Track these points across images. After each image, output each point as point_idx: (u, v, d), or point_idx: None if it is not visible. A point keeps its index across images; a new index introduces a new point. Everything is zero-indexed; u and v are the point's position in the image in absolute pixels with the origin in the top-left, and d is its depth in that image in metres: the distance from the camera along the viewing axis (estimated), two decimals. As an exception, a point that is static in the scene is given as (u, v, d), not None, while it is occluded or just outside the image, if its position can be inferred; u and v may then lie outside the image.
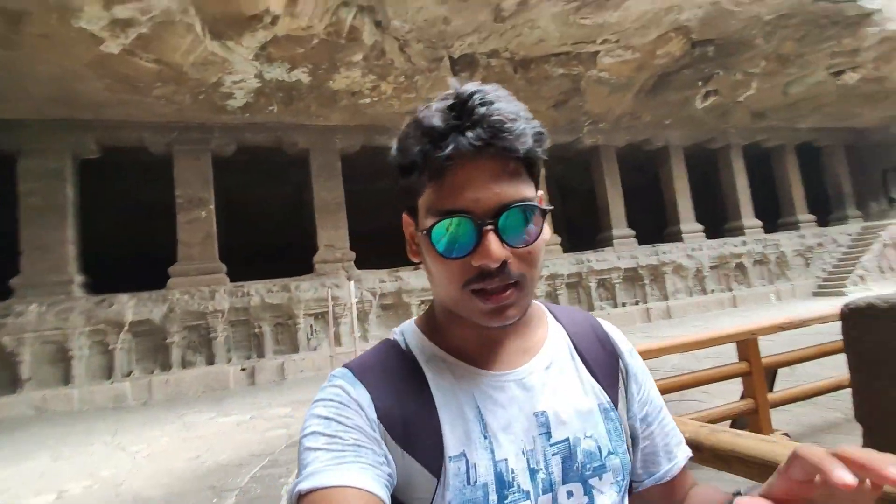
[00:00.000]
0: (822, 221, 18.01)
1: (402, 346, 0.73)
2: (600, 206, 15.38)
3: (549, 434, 0.67)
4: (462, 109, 0.59)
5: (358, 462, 0.58)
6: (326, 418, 0.62)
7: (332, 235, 12.08)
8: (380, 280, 11.85)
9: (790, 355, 4.00)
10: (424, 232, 0.62)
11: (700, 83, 12.75)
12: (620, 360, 0.77)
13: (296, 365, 10.61)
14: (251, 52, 8.84)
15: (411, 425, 0.64)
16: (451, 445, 0.64)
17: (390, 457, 0.62)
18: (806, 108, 15.11)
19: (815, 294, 15.42)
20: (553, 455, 0.66)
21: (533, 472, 0.64)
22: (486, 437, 0.64)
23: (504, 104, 0.59)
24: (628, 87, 12.34)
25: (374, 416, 0.63)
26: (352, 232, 12.30)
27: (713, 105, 13.83)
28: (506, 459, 0.64)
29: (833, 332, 2.76)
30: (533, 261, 0.63)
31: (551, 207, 0.67)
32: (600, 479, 0.67)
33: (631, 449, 0.74)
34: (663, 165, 16.17)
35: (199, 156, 11.32)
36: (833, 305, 3.11)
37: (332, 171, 12.28)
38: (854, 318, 2.32)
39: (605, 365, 0.75)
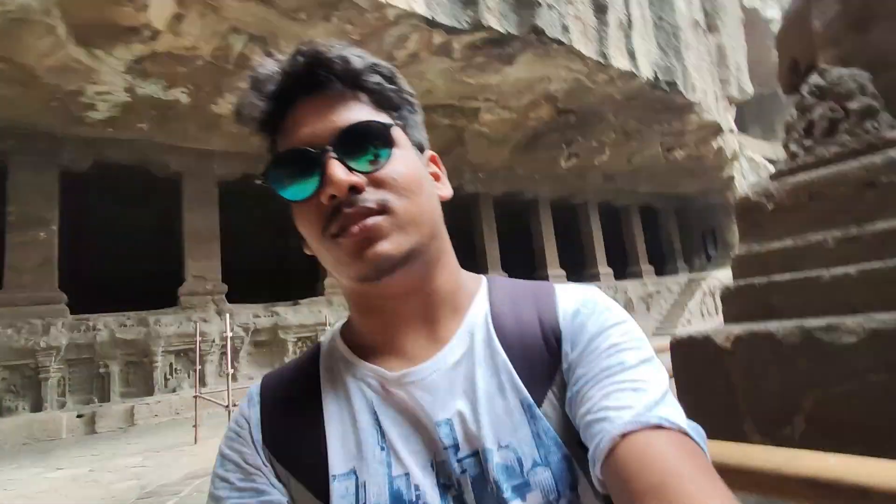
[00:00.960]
0: (659, 272, 21.05)
1: (322, 347, 0.65)
2: (478, 248, 16.36)
3: (456, 447, 0.53)
4: (286, 60, 0.56)
5: None
6: (223, 456, 0.58)
7: (203, 266, 11.24)
8: (254, 315, 11.20)
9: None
10: (266, 180, 0.55)
11: (564, 146, 14.49)
12: (563, 339, 0.56)
13: (149, 409, 9.45)
14: (123, 64, 8.21)
15: (294, 442, 0.57)
16: (338, 462, 0.55)
17: (279, 484, 0.56)
18: (645, 175, 17.87)
19: (654, 334, 17.79)
20: (462, 472, 0.52)
21: (444, 489, 0.52)
22: (383, 449, 0.54)
23: (327, 43, 0.56)
24: (505, 142, 13.60)
25: (259, 437, 0.58)
26: (226, 264, 11.55)
27: (574, 165, 15.74)
28: (406, 474, 0.53)
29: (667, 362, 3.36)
30: (400, 186, 0.54)
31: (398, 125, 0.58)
32: (523, 500, 0.50)
33: (581, 455, 0.51)
34: (533, 215, 17.84)
35: (42, 168, 9.94)
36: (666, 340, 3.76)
37: (208, 198, 11.55)
38: (679, 348, 2.88)
39: (533, 348, 0.57)
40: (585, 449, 0.50)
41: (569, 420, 0.53)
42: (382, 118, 0.56)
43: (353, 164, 0.52)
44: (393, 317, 0.59)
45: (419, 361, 0.58)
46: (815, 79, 2.92)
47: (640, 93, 12.17)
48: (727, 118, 11.94)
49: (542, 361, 0.56)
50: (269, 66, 0.56)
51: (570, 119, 13.02)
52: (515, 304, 0.61)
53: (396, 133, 0.56)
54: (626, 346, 0.53)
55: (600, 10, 10.33)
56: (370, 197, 0.52)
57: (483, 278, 0.67)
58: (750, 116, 25.14)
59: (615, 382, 0.50)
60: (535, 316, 0.59)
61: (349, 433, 0.56)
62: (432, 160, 0.64)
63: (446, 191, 0.63)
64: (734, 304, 3.01)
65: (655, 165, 16.73)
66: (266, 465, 0.57)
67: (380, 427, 0.56)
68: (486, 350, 0.58)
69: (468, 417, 0.54)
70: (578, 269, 18.61)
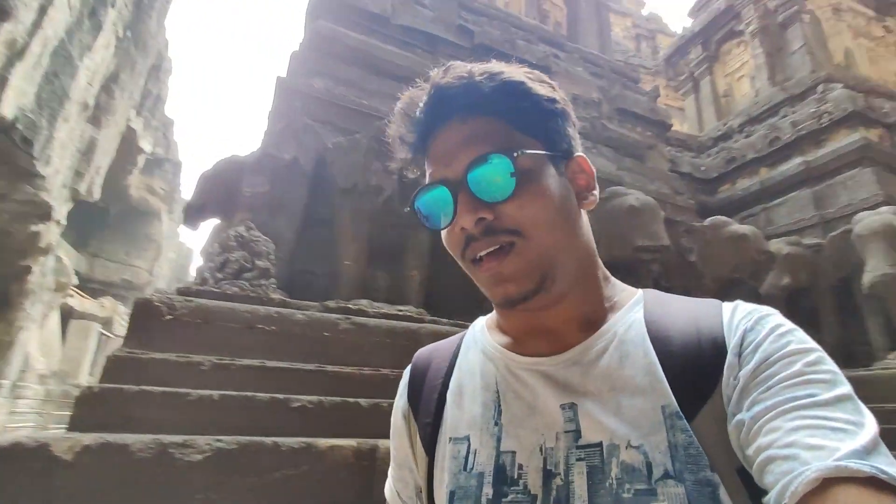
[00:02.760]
0: None
1: (471, 328, 0.72)
2: None
3: (577, 433, 0.53)
4: (423, 89, 0.60)
5: (397, 471, 0.71)
6: (392, 418, 0.73)
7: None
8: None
9: None
10: (409, 209, 0.61)
11: None
12: (729, 352, 0.52)
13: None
14: None
15: (425, 405, 0.65)
16: (453, 426, 0.61)
17: (410, 440, 0.67)
18: None
19: None
20: (577, 460, 0.52)
21: (548, 475, 0.52)
22: (496, 424, 0.58)
23: (462, 68, 0.59)
24: None
25: (404, 398, 0.70)
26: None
27: None
28: (513, 452, 0.55)
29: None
30: (530, 215, 0.55)
31: (543, 153, 0.58)
32: None
33: (738, 484, 0.47)
34: None
35: None
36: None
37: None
38: None
39: (690, 357, 0.53)
40: (746, 481, 0.46)
41: (728, 443, 0.48)
42: (510, 144, 0.56)
43: (481, 196, 0.55)
44: (534, 320, 0.60)
45: (553, 352, 0.59)
46: (241, 230, 3.55)
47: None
48: (62, 210, 10.94)
49: (700, 373, 0.51)
50: (407, 103, 0.60)
51: None
52: (674, 312, 0.58)
53: (523, 162, 0.55)
54: (817, 377, 0.45)
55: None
56: (500, 227, 0.55)
57: (640, 290, 0.65)
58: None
59: (806, 417, 0.42)
60: (694, 325, 0.55)
61: (469, 405, 0.61)
62: (580, 163, 0.62)
63: (591, 198, 0.62)
64: (93, 408, 2.67)
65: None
66: (405, 423, 0.67)
67: (498, 404, 0.59)
68: (634, 350, 0.55)
69: (597, 408, 0.53)
70: None
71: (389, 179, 4.41)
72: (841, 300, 6.40)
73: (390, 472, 0.72)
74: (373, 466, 2.97)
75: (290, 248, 4.18)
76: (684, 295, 0.64)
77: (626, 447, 0.50)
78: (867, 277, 5.84)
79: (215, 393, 2.94)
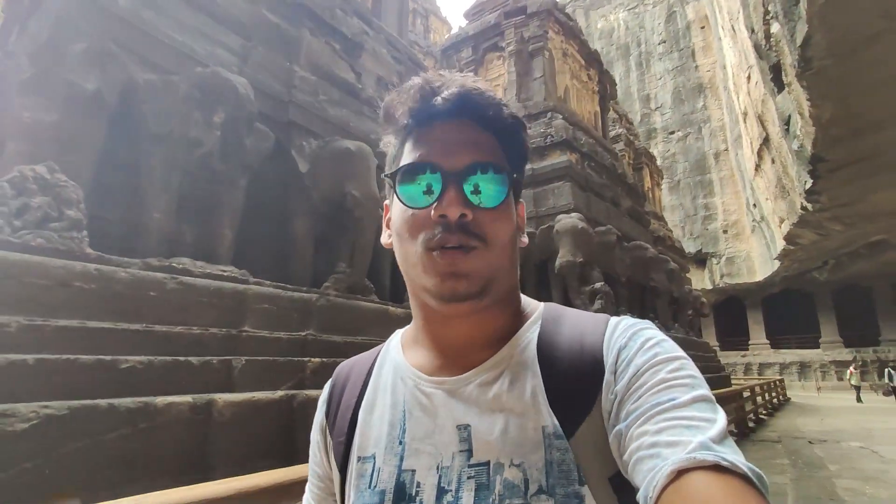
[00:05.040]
0: None
1: (388, 342, 0.75)
2: None
3: (469, 452, 0.57)
4: (443, 79, 0.62)
5: (312, 486, 0.73)
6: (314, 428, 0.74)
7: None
8: None
9: None
10: (389, 177, 0.62)
11: None
12: (606, 371, 0.57)
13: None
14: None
15: (338, 423, 0.68)
16: (362, 445, 0.64)
17: (330, 455, 0.69)
18: None
19: None
20: (468, 478, 0.56)
21: (441, 492, 0.56)
22: (400, 444, 0.61)
23: (480, 84, 0.63)
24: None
25: (322, 415, 0.72)
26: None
27: None
28: (413, 471, 0.59)
29: None
30: (499, 230, 0.60)
31: (515, 179, 0.63)
32: None
33: (609, 492, 0.53)
34: None
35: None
36: None
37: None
38: None
39: (572, 375, 0.58)
40: (619, 487, 0.52)
41: (606, 454, 0.53)
42: (508, 168, 0.61)
43: (470, 196, 0.58)
44: (447, 329, 0.64)
45: (457, 372, 0.62)
46: (41, 171, 3.11)
47: None
48: None
49: (581, 390, 0.56)
50: (428, 83, 0.61)
51: None
52: (564, 332, 0.62)
53: (510, 185, 0.61)
54: (678, 382, 0.50)
55: None
56: (475, 231, 0.58)
57: (542, 305, 0.69)
58: None
59: (667, 419, 0.47)
60: (578, 345, 0.59)
61: (378, 424, 0.64)
62: (521, 208, 0.68)
63: (523, 242, 0.68)
64: None
65: None
66: (322, 437, 0.71)
67: (403, 424, 0.62)
68: (524, 372, 0.59)
69: (486, 429, 0.57)
70: None
71: (211, 134, 4.26)
72: (540, 276, 8.97)
73: (308, 485, 0.73)
74: (209, 419, 3.22)
75: (83, 192, 3.69)
76: None
77: (509, 465, 0.54)
78: (557, 262, 8.40)
79: (29, 357, 2.68)
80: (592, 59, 13.67)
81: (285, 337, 4.08)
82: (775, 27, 7.80)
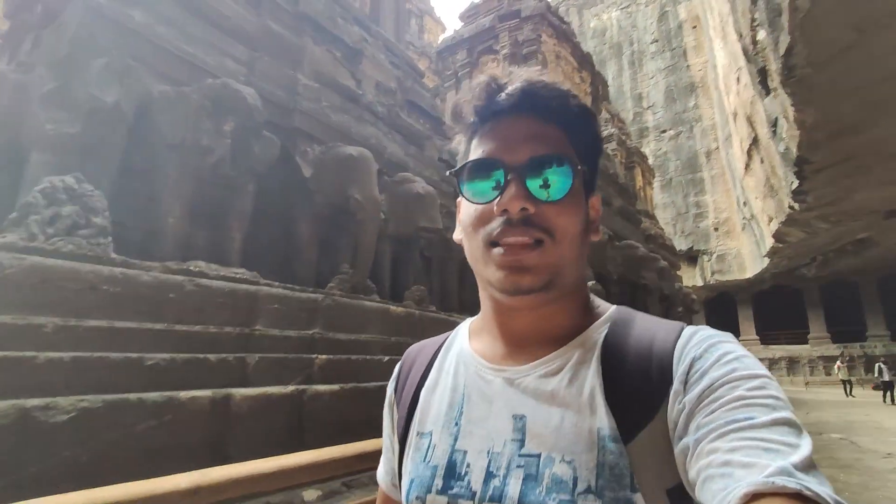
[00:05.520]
0: None
1: (458, 328, 0.78)
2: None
3: (522, 442, 0.58)
4: (509, 75, 0.63)
5: (384, 456, 0.78)
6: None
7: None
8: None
9: None
10: (455, 174, 0.63)
11: None
12: (675, 380, 0.55)
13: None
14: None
15: (403, 397, 0.73)
16: (421, 421, 0.68)
17: (394, 429, 0.75)
18: None
19: None
20: (518, 467, 0.57)
21: (489, 476, 0.58)
22: (456, 424, 0.63)
23: (546, 78, 0.62)
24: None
25: (391, 392, 0.78)
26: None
27: None
28: (465, 451, 0.61)
29: None
30: (565, 223, 0.59)
31: (584, 169, 0.62)
32: None
33: (665, 502, 0.52)
34: None
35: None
36: None
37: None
38: None
39: (637, 379, 0.57)
40: (678, 499, 0.51)
41: (667, 464, 0.51)
42: (574, 160, 0.60)
43: (532, 190, 0.58)
44: (512, 320, 0.65)
45: (519, 363, 0.63)
46: (70, 182, 3.33)
47: None
48: None
49: (645, 395, 0.55)
50: (494, 80, 0.63)
51: None
52: (633, 334, 0.61)
53: (577, 176, 0.61)
54: (758, 401, 0.47)
55: None
56: (537, 224, 0.58)
57: (614, 307, 0.68)
58: None
59: (743, 438, 0.44)
60: (648, 350, 0.58)
61: (437, 403, 0.67)
62: (597, 200, 0.67)
63: (596, 235, 0.67)
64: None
65: None
66: (390, 412, 0.76)
67: (462, 406, 0.64)
68: (585, 370, 0.59)
69: (542, 422, 0.57)
70: None
71: (222, 142, 4.49)
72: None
73: (382, 456, 0.79)
74: (227, 412, 3.47)
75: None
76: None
77: (560, 461, 0.54)
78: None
79: (65, 355, 2.91)
80: (585, 62, 13.95)
81: (294, 335, 4.33)
82: (761, 34, 8.10)
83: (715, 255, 28.51)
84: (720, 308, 29.88)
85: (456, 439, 0.62)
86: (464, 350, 0.70)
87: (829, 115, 7.65)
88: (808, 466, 0.41)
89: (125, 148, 4.17)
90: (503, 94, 0.61)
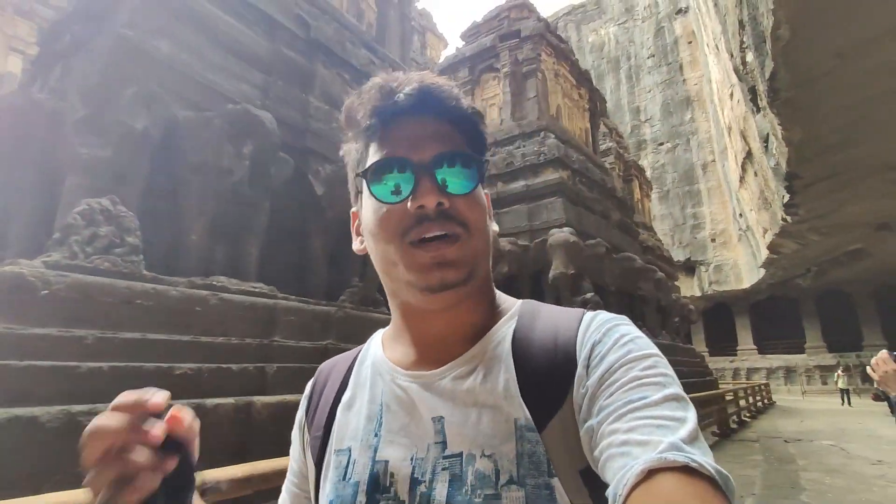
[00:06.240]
0: None
1: (371, 340, 0.75)
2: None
3: (444, 444, 0.58)
4: (400, 77, 0.63)
5: (289, 483, 0.73)
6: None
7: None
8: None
9: None
10: (361, 176, 0.62)
11: None
12: (578, 364, 0.57)
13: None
14: None
15: (316, 417, 0.69)
16: (339, 438, 0.65)
17: (306, 451, 0.70)
18: None
19: None
20: (443, 469, 0.57)
21: (415, 483, 0.57)
22: (376, 436, 0.62)
23: (439, 80, 0.64)
24: None
25: (301, 413, 0.73)
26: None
27: None
28: (387, 461, 0.59)
29: None
30: (474, 217, 0.61)
31: (485, 165, 0.64)
32: None
33: (579, 484, 0.54)
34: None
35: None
36: None
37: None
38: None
39: (545, 369, 0.59)
40: (589, 481, 0.53)
41: (576, 447, 0.54)
42: (475, 155, 0.63)
43: (443, 185, 0.59)
44: (425, 324, 0.65)
45: (434, 367, 0.63)
46: (106, 204, 3.61)
47: None
48: None
49: (553, 383, 0.57)
50: (387, 82, 0.62)
51: None
52: (539, 326, 0.63)
53: (480, 170, 0.63)
54: (650, 380, 0.51)
55: None
56: (449, 222, 0.59)
57: (519, 302, 0.69)
58: None
59: (638, 417, 0.48)
60: (552, 339, 0.60)
61: (355, 417, 0.65)
62: (487, 197, 0.69)
63: (495, 226, 0.70)
64: (-19, 385, 2.67)
65: None
66: (300, 434, 0.71)
67: (380, 417, 0.63)
68: (497, 366, 0.60)
69: (460, 421, 0.58)
70: None
71: (241, 164, 4.78)
72: (534, 285, 9.52)
73: (286, 482, 0.74)
74: (249, 418, 3.72)
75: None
76: None
77: (481, 456, 0.55)
78: (551, 273, 8.96)
79: (105, 365, 3.17)
80: (583, 78, 14.33)
81: (309, 345, 4.58)
82: (750, 56, 8.46)
83: (712, 266, 28.83)
84: (718, 318, 30.13)
85: (376, 450, 0.60)
86: (378, 360, 0.69)
87: (815, 133, 8.00)
88: (693, 439, 0.45)
89: (150, 170, 4.46)
90: (401, 95, 0.60)
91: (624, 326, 0.58)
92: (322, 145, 6.08)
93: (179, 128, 4.57)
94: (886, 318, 25.05)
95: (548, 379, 0.57)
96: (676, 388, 0.50)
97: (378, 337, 0.73)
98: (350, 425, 0.64)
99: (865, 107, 7.29)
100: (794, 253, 18.36)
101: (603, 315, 0.61)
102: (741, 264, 27.28)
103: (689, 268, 29.28)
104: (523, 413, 0.56)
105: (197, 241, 4.59)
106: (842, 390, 18.99)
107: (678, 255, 27.73)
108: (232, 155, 4.74)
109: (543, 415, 0.55)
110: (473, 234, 0.60)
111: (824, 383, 24.36)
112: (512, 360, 0.60)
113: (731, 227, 27.61)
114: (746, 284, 26.98)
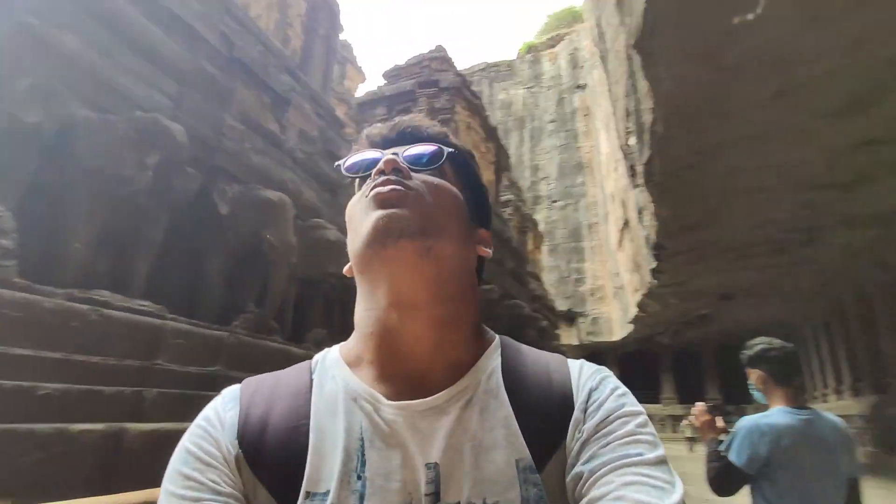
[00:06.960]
0: None
1: (316, 361, 0.65)
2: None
3: (437, 494, 0.51)
4: (390, 126, 0.68)
5: None
6: (188, 451, 0.54)
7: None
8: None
9: None
10: (342, 164, 0.66)
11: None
12: (576, 408, 0.56)
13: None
14: None
15: (272, 450, 0.55)
16: (314, 479, 0.53)
17: (238, 489, 0.54)
18: None
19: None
20: None
21: None
22: (359, 479, 0.52)
23: (436, 124, 0.70)
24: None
25: (233, 439, 0.56)
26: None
27: None
28: None
29: None
30: (432, 185, 0.61)
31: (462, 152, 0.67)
32: None
33: None
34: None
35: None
36: None
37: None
38: None
39: (543, 409, 0.56)
40: None
41: (564, 489, 0.52)
42: (443, 148, 0.64)
43: (407, 159, 0.62)
44: (402, 337, 0.58)
45: (419, 395, 0.56)
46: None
47: None
48: None
49: (551, 426, 0.54)
50: (375, 129, 0.68)
51: None
52: (528, 363, 0.61)
53: (448, 167, 0.64)
54: (644, 438, 0.52)
55: None
56: (401, 182, 0.59)
57: (496, 335, 0.66)
58: None
59: (634, 473, 0.48)
60: (546, 378, 0.58)
61: (333, 453, 0.54)
62: (489, 237, 0.69)
63: (485, 251, 0.67)
64: None
65: None
66: (232, 469, 0.54)
67: (362, 455, 0.53)
68: (492, 401, 0.56)
69: (458, 466, 0.52)
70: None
71: (143, 174, 4.56)
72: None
73: None
74: (119, 446, 3.48)
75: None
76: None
77: None
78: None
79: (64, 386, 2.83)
80: (491, 135, 15.44)
81: (195, 371, 4.37)
82: (633, 140, 9.84)
83: (590, 318, 31.43)
84: (591, 366, 32.54)
85: (363, 497, 0.51)
86: (351, 385, 0.59)
87: (679, 213, 9.50)
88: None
89: (37, 168, 4.10)
90: (385, 129, 0.67)
91: (613, 378, 0.60)
92: (233, 164, 5.96)
93: (78, 128, 4.27)
94: (724, 375, 28.98)
95: (546, 418, 0.55)
96: (664, 450, 0.52)
97: (334, 354, 0.64)
98: (325, 462, 0.53)
99: (716, 198, 8.86)
100: (657, 313, 20.81)
101: (588, 363, 0.63)
102: (614, 318, 30.08)
103: (570, 318, 31.64)
104: (525, 453, 0.53)
105: (81, 250, 4.24)
106: (688, 438, 21.47)
107: (561, 306, 29.91)
108: (134, 163, 4.51)
109: (542, 455, 0.53)
110: (429, 194, 0.59)
111: (674, 431, 27.28)
112: (506, 395, 0.57)
113: (608, 284, 30.50)
114: (617, 337, 29.72)
